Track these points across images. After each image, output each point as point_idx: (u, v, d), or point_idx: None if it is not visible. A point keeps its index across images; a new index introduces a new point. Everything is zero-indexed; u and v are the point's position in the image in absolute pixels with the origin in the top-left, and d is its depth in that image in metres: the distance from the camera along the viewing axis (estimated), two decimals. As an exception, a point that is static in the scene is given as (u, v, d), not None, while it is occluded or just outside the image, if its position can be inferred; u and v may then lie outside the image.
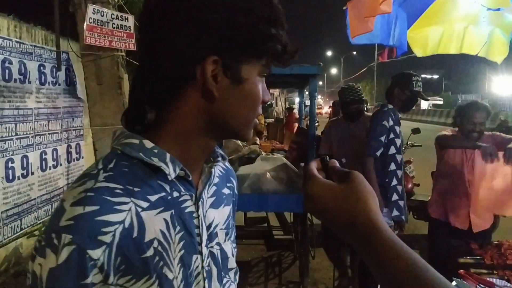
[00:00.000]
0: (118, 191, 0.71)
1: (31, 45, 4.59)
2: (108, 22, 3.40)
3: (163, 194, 0.76)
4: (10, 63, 4.21)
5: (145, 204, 0.73)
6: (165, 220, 0.76)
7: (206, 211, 0.86)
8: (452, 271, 2.15)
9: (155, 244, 0.73)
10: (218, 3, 0.73)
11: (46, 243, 0.67)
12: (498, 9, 3.19)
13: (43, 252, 0.67)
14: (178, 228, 0.78)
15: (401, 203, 3.22)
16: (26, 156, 4.53)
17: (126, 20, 3.55)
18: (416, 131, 6.09)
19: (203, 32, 0.73)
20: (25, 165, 4.51)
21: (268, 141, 6.39)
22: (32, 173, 4.65)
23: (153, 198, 0.75)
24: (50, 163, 5.04)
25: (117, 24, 3.47)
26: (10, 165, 4.25)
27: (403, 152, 3.54)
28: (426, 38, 3.57)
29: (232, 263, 0.94)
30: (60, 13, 3.77)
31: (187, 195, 0.81)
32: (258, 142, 5.31)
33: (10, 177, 4.27)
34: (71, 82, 5.36)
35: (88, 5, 3.23)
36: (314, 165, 0.77)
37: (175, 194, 0.78)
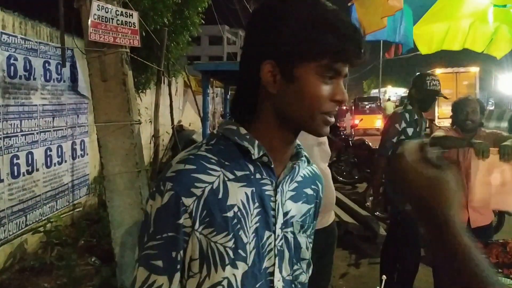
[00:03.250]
0: (213, 160, 0.91)
1: (36, 42, 4.60)
2: (112, 19, 3.39)
3: (248, 172, 0.93)
4: (15, 59, 4.22)
5: (231, 176, 0.91)
6: (246, 193, 0.92)
7: (286, 201, 0.99)
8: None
9: (235, 209, 0.90)
10: (272, 17, 0.90)
11: (156, 188, 0.88)
12: (505, 6, 3.16)
13: (154, 196, 0.88)
14: (256, 204, 0.93)
15: None
16: (31, 153, 4.55)
17: (131, 17, 3.54)
18: None
19: (262, 41, 0.91)
20: (30, 162, 4.53)
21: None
22: (37, 170, 4.67)
23: (238, 173, 0.92)
24: (55, 159, 5.06)
25: (122, 21, 3.46)
26: (15, 161, 4.27)
27: None
28: (431, 35, 3.55)
29: (305, 254, 1.05)
30: (65, 10, 3.77)
31: (268, 180, 0.95)
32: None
33: (15, 173, 4.28)
34: (75, 78, 5.38)
35: (92, 2, 3.22)
36: (415, 147, 0.84)
37: (258, 175, 0.94)
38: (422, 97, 3.44)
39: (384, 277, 1.71)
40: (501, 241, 2.66)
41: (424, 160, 0.81)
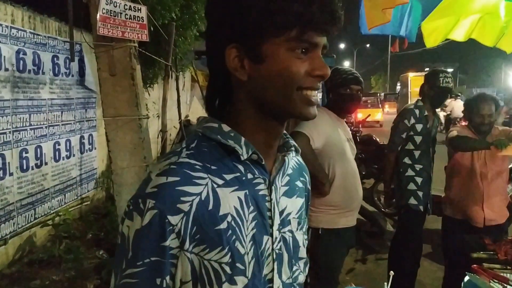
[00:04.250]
0: (197, 167, 0.79)
1: (45, 36, 4.62)
2: (121, 13, 3.39)
3: (238, 174, 0.83)
4: (24, 54, 4.24)
5: (220, 181, 0.80)
6: (239, 198, 0.82)
7: (280, 198, 0.90)
8: (465, 266, 2.13)
9: (229, 218, 0.80)
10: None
11: (134, 207, 0.77)
12: (516, 0, 3.12)
13: (131, 215, 0.76)
14: (251, 208, 0.83)
15: (420, 193, 3.44)
16: (40, 147, 4.58)
17: (139, 11, 3.55)
18: None
19: (221, 24, 0.82)
20: (39, 155, 4.56)
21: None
22: (46, 163, 4.70)
23: (228, 177, 0.82)
24: (64, 153, 5.09)
25: (130, 15, 3.47)
26: (24, 155, 4.30)
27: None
28: (439, 29, 3.51)
29: (302, 253, 0.97)
30: (74, 4, 3.78)
31: (261, 178, 0.86)
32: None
33: (24, 167, 4.31)
34: (84, 73, 5.40)
35: (101, -4, 3.23)
36: None
37: (249, 176, 0.84)
38: (434, 94, 3.43)
39: (391, 273, 1.70)
40: (510, 238, 2.64)
41: None
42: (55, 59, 4.81)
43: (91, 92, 5.63)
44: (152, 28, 4.59)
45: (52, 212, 4.83)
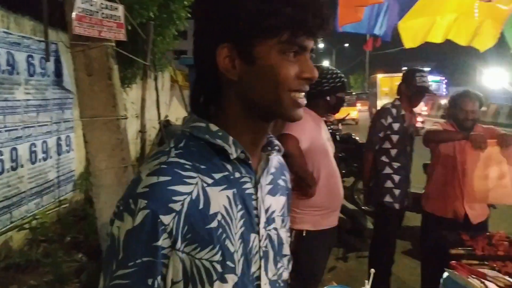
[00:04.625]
0: (187, 166, 0.80)
1: (19, 36, 4.51)
2: (97, 12, 3.33)
3: (226, 173, 0.84)
4: (-2, 54, 4.14)
5: (210, 181, 0.81)
6: (228, 197, 0.83)
7: (265, 196, 0.92)
8: (444, 262, 2.16)
9: (219, 217, 0.81)
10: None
11: (124, 208, 0.77)
12: (490, 0, 3.19)
13: (121, 216, 0.77)
14: (239, 206, 0.85)
15: (397, 191, 3.46)
16: (15, 149, 4.47)
17: (116, 10, 3.50)
18: None
19: (214, 23, 0.82)
20: (14, 158, 4.45)
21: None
22: (22, 166, 4.60)
23: (217, 176, 0.83)
24: (40, 155, 4.99)
25: (107, 14, 3.41)
26: (-1, 157, 4.20)
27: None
28: (416, 29, 3.56)
29: (286, 250, 0.99)
30: (49, 3, 3.71)
31: (247, 177, 0.88)
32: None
33: (0, 170, 4.22)
34: (60, 73, 5.30)
35: (77, -5, 3.17)
36: None
37: (237, 174, 0.86)
38: (412, 93, 3.47)
39: (372, 270, 1.71)
40: (487, 234, 2.69)
41: None
42: (30, 59, 4.70)
43: (67, 92, 5.53)
44: (129, 27, 4.54)
45: (29, 215, 4.72)
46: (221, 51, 0.81)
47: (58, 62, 5.23)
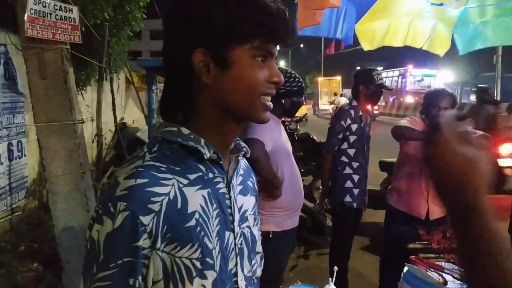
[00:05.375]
0: (162, 168, 0.83)
1: (-34, 37, 4.31)
2: (51, 14, 3.22)
3: (200, 173, 0.87)
4: None
5: (185, 181, 0.84)
6: (203, 196, 0.86)
7: (237, 196, 0.96)
8: (404, 257, 2.23)
9: (197, 216, 0.84)
10: (196, 3, 0.84)
11: (103, 211, 0.78)
12: (441, 4, 3.33)
13: (101, 219, 0.78)
14: (215, 205, 0.88)
15: (356, 191, 3.55)
16: (-37, 156, 4.26)
17: (71, 12, 3.39)
18: None
19: (188, 29, 0.84)
20: (-38, 165, 4.24)
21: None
22: (-29, 173, 4.38)
23: (192, 176, 0.86)
24: (-10, 162, 4.77)
25: (61, 16, 3.30)
26: None
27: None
28: (373, 32, 3.66)
29: (259, 247, 1.04)
30: (-3, 3, 3.56)
31: (220, 177, 0.91)
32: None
33: None
34: (10, 76, 5.08)
35: (28, -5, 3.05)
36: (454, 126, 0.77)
37: (210, 175, 0.89)
38: (372, 93, 3.54)
39: (335, 268, 1.75)
40: (441, 228, 2.79)
41: (462, 139, 0.74)
42: (-22, 61, 4.50)
43: (18, 96, 5.31)
44: (83, 28, 4.42)
45: (-21, 225, 4.51)
46: (196, 55, 0.84)
47: (8, 65, 5.02)
